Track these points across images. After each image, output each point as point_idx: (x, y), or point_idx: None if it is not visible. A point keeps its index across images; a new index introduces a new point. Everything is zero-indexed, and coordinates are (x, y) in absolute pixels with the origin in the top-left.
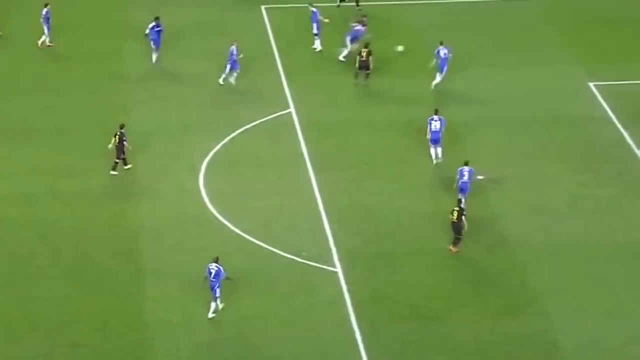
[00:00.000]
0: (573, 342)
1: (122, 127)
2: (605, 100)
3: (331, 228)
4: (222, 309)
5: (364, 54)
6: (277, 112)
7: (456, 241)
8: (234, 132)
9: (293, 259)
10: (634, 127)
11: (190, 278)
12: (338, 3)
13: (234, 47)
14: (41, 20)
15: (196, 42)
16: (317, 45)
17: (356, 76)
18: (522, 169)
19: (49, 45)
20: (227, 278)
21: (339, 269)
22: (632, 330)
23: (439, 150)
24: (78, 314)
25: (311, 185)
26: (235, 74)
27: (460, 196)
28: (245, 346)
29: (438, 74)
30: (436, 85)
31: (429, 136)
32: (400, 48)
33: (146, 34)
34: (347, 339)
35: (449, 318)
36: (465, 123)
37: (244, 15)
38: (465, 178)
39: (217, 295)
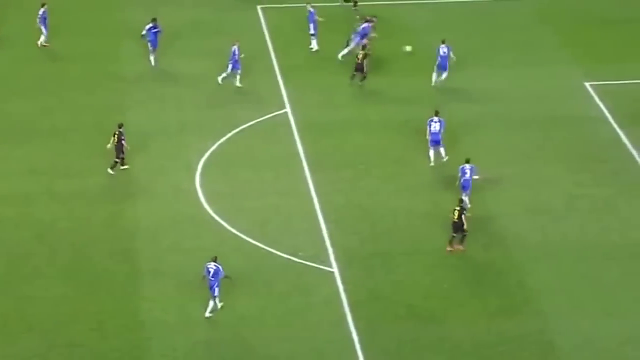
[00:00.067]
0: (569, 342)
1: (120, 126)
2: (601, 100)
3: (327, 228)
4: (221, 308)
5: (359, 57)
6: (273, 112)
7: (462, 239)
8: (230, 132)
9: (289, 259)
10: (630, 127)
11: (187, 278)
12: (341, 2)
13: (235, 48)
14: (37, 20)
15: (192, 42)
16: (314, 45)
17: (352, 77)
18: (519, 168)
19: (44, 45)
20: (225, 277)
21: (335, 269)
22: (629, 330)
23: (442, 150)
24: (74, 314)
25: (307, 185)
26: (238, 76)
27: (462, 194)
28: (241, 346)
29: (435, 72)
30: (440, 82)
31: (428, 137)
32: (408, 48)
33: (142, 35)
34: (344, 339)
35: (445, 318)
36: (462, 123)
37: (240, 15)
38: (467, 176)
39: (216, 294)
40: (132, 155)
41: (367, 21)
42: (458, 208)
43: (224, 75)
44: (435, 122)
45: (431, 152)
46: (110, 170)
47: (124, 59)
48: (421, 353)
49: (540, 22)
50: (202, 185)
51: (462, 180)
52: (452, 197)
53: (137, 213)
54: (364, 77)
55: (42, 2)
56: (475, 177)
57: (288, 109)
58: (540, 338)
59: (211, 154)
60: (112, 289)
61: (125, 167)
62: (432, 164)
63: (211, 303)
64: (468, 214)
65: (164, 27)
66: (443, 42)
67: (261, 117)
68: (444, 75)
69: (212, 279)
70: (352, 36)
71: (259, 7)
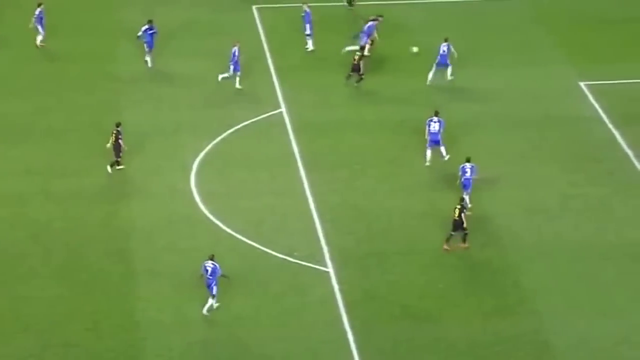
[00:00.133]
0: (565, 342)
1: (118, 125)
2: (596, 100)
3: (323, 228)
4: (217, 308)
5: (356, 57)
6: (268, 112)
7: (464, 237)
8: (225, 132)
9: (285, 259)
10: (625, 127)
11: (182, 278)
12: (347, 2)
13: (235, 49)
14: (33, 20)
15: (188, 42)
16: (310, 45)
17: (348, 77)
18: (514, 168)
19: (41, 45)
20: (222, 275)
21: (330, 269)
22: (624, 330)
23: (442, 149)
24: (70, 314)
25: (303, 185)
26: (238, 77)
27: (463, 193)
28: (236, 346)
29: (433, 70)
30: (447, 80)
31: (427, 137)
32: (414, 49)
33: (138, 36)
34: (339, 339)
35: (440, 318)
36: (458, 123)
37: (235, 15)
38: (468, 174)
39: (214, 292)
40: (127, 155)
41: (373, 20)
42: (459, 206)
43: (225, 75)
44: (435, 122)
45: (428, 152)
46: (109, 169)
47: (120, 59)
48: (416, 353)
49: (534, 22)
50: (197, 185)
51: (462, 179)
52: (448, 197)
53: (133, 213)
54: (361, 79)
55: (38, 2)
56: (474, 177)
57: (283, 109)
58: (536, 338)
59: (206, 153)
60: (107, 289)
61: (121, 167)
62: (427, 163)
63: (210, 301)
64: (468, 213)
65: (159, 28)
66: (446, 41)
67: (257, 117)
68: (449, 72)
69: (210, 277)
70: (360, 35)
71: (254, 7)
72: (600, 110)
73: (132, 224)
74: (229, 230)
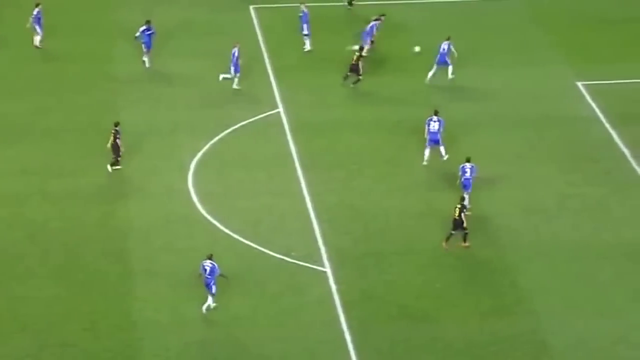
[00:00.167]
0: (562, 342)
1: (116, 125)
2: (593, 99)
3: (320, 228)
4: (214, 308)
5: (354, 58)
6: (266, 112)
7: (464, 237)
8: (223, 132)
9: (282, 259)
10: (622, 127)
11: (179, 278)
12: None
13: (235, 50)
14: (31, 20)
15: (185, 42)
16: (307, 45)
17: (345, 77)
18: (512, 168)
19: (39, 46)
20: (220, 275)
21: (328, 269)
22: (621, 329)
23: (442, 149)
24: (67, 314)
25: (300, 185)
26: (236, 79)
27: (463, 193)
28: (234, 346)
29: (433, 69)
30: (449, 80)
31: (426, 136)
32: (417, 49)
33: (136, 37)
34: (336, 339)
35: (438, 318)
36: (456, 123)
37: (232, 15)
38: (467, 174)
39: (214, 292)
40: (125, 155)
41: (375, 20)
42: (459, 206)
43: (226, 75)
44: (435, 121)
45: (427, 151)
46: (109, 168)
47: (117, 59)
48: (414, 353)
49: (531, 22)
50: (194, 185)
51: (462, 180)
52: (445, 196)
53: (130, 213)
54: (358, 80)
55: (36, 2)
56: (474, 175)
57: (281, 109)
58: (533, 338)
59: (204, 154)
60: (104, 289)
61: (118, 167)
62: (425, 162)
63: (209, 299)
64: (468, 213)
65: (157, 28)
66: (448, 39)
67: (254, 117)
68: (449, 71)
69: (209, 276)
70: (362, 34)
71: (251, 7)
72: (597, 110)
73: (130, 224)
74: (226, 230)
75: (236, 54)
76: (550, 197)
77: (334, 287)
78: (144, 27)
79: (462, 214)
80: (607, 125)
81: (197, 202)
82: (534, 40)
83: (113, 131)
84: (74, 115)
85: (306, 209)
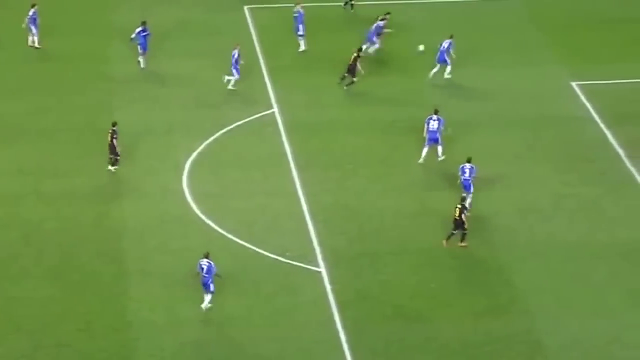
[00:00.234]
0: (557, 341)
1: (114, 124)
2: (588, 100)
3: (315, 228)
4: (209, 308)
5: (352, 59)
6: (261, 112)
7: (463, 237)
8: (218, 132)
9: (277, 259)
10: (616, 127)
11: (174, 278)
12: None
13: (235, 51)
14: (26, 20)
15: (181, 43)
16: (302, 45)
17: (342, 78)
18: (508, 168)
19: (30, 46)
20: (216, 275)
21: (322, 269)
22: (616, 329)
23: (439, 149)
24: (62, 314)
25: (295, 185)
26: (232, 80)
27: (463, 193)
28: (229, 346)
29: (437, 67)
30: (445, 79)
31: (425, 135)
32: (421, 47)
33: (132, 38)
34: (331, 339)
35: (432, 318)
36: (454, 122)
37: (227, 15)
38: (467, 175)
39: (212, 290)
40: (120, 155)
41: (381, 19)
42: (459, 206)
43: (230, 78)
44: (434, 120)
45: (425, 150)
46: (110, 167)
47: (113, 59)
48: (408, 353)
49: (526, 22)
50: (189, 186)
51: (462, 180)
52: (440, 196)
53: (125, 213)
54: (352, 82)
55: (32, 2)
56: (473, 176)
57: (276, 109)
58: (528, 337)
59: (199, 154)
60: (99, 290)
61: (115, 167)
62: (421, 160)
63: (208, 297)
64: (467, 213)
65: (152, 28)
66: (450, 37)
67: (249, 117)
68: (447, 70)
69: (206, 275)
70: (368, 34)
71: (246, 7)
72: (592, 110)
73: (124, 224)
74: (221, 231)
75: (235, 56)
76: (545, 197)
77: (328, 287)
78: (139, 29)
79: (463, 215)
80: (602, 126)
81: (192, 202)
82: (531, 40)
83: (110, 131)
84: (69, 116)
85: (301, 209)
